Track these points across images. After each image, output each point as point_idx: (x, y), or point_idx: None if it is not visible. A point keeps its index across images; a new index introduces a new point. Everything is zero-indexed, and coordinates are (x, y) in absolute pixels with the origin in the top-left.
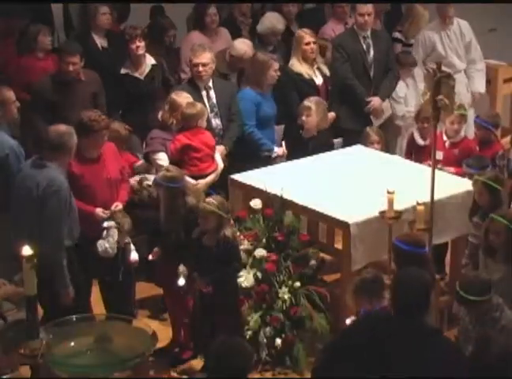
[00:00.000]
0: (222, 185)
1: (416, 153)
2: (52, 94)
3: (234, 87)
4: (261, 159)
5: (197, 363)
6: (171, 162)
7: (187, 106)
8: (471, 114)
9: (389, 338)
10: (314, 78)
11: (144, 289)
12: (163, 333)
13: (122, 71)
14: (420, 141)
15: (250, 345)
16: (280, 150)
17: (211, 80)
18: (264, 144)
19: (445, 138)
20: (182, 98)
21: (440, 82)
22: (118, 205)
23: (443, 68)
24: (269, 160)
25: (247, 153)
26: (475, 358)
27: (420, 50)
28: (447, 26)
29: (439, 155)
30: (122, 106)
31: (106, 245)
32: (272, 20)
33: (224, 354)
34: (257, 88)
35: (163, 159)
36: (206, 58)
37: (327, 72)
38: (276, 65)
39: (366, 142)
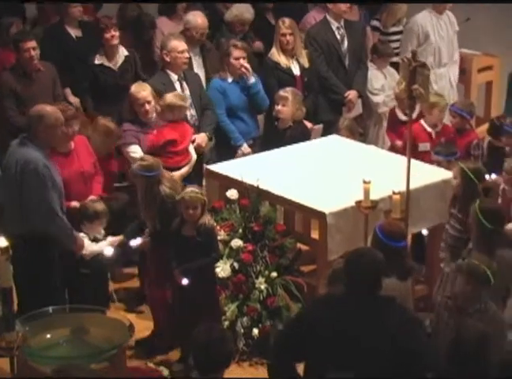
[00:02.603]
0: (196, 176)
1: (398, 129)
2: (16, 85)
3: (200, 77)
4: (234, 149)
5: (175, 354)
6: (147, 153)
7: (175, 97)
8: None
9: (344, 315)
10: (292, 68)
11: (122, 281)
12: (141, 325)
13: (96, 61)
14: (402, 117)
15: (229, 333)
16: (246, 149)
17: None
18: (232, 138)
19: (429, 129)
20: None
21: (415, 71)
22: (93, 199)
23: (431, 59)
24: (236, 155)
25: (222, 143)
26: (453, 344)
27: (414, 40)
28: (440, 16)
29: (426, 146)
30: (95, 97)
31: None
32: (239, 9)
33: (206, 342)
34: (222, 77)
35: (136, 151)
36: (184, 45)
37: (306, 63)
38: (237, 53)
39: (339, 133)
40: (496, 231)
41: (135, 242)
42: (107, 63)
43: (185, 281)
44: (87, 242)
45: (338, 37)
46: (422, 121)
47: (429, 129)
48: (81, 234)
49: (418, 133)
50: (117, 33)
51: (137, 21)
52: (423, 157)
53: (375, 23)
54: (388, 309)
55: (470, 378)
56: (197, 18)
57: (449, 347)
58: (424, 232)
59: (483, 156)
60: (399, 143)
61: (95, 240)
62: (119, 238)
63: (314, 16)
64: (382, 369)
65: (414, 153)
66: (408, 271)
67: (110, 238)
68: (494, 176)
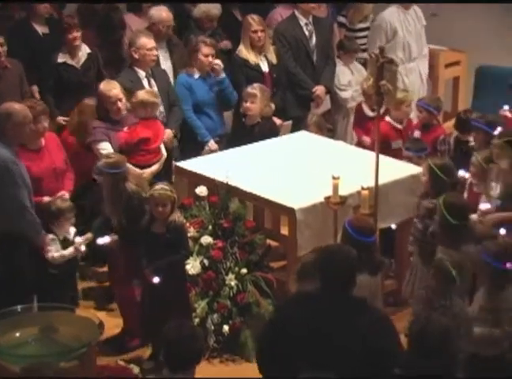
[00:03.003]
0: (166, 173)
1: (365, 124)
2: None
3: (167, 74)
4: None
5: (145, 351)
6: (120, 151)
7: (147, 94)
8: None
9: (318, 313)
10: (261, 65)
11: (92, 279)
12: (111, 322)
13: (59, 59)
14: (369, 112)
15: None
16: (213, 145)
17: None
18: (199, 134)
19: (398, 126)
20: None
21: (383, 68)
22: (64, 194)
23: (401, 54)
24: (202, 151)
25: (189, 140)
26: (415, 338)
27: (382, 36)
28: (407, 11)
29: (398, 143)
30: (57, 95)
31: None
32: (207, 5)
33: (176, 339)
34: (189, 72)
35: (106, 148)
36: (153, 42)
37: (274, 60)
38: (206, 50)
39: (308, 129)
40: (461, 226)
41: (103, 240)
42: (69, 61)
43: (156, 279)
44: (55, 248)
45: (306, 33)
46: (388, 119)
47: (398, 126)
48: (51, 236)
49: (388, 131)
50: (79, 34)
51: (105, 19)
52: (397, 155)
53: (342, 19)
54: (360, 308)
55: (433, 371)
56: (162, 12)
57: (413, 340)
58: (393, 226)
59: (449, 151)
60: (366, 139)
61: (65, 241)
62: (87, 236)
63: (280, 12)
64: (353, 368)
65: (387, 151)
66: (378, 266)
67: (77, 239)
68: (462, 172)
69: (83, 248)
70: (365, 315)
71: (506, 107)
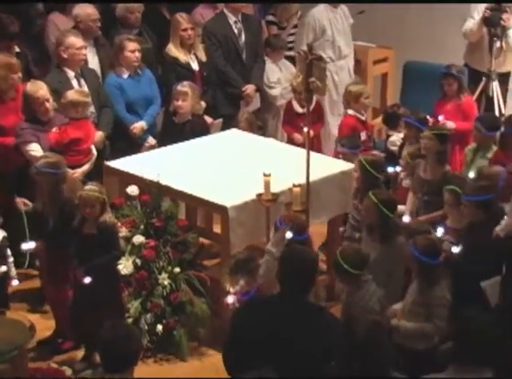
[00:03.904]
0: (96, 173)
1: (294, 121)
2: None
3: (97, 73)
4: (136, 145)
5: (78, 353)
6: (49, 151)
7: (77, 94)
8: None
9: (276, 318)
10: (191, 63)
11: (24, 281)
12: (44, 324)
13: None
14: (299, 109)
15: (137, 329)
16: (152, 140)
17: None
18: (134, 133)
19: (362, 117)
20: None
21: (312, 65)
22: None
23: (330, 52)
24: (142, 148)
25: (122, 139)
26: (344, 335)
27: (310, 34)
28: (335, 9)
29: (364, 134)
30: None
31: None
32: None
33: (113, 340)
34: (118, 72)
35: (36, 149)
36: (82, 41)
37: (203, 57)
38: (131, 46)
39: (238, 127)
40: (393, 219)
41: (27, 246)
42: None
43: (87, 280)
44: None
45: (236, 31)
46: (351, 112)
47: (362, 117)
48: None
49: (355, 123)
50: None
51: (25, 14)
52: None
53: (271, 17)
54: (317, 312)
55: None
56: (86, 8)
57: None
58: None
59: (375, 147)
60: (297, 136)
61: None
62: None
63: (200, 12)
64: (309, 372)
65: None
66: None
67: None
68: (391, 169)
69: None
70: (322, 320)
71: (440, 118)
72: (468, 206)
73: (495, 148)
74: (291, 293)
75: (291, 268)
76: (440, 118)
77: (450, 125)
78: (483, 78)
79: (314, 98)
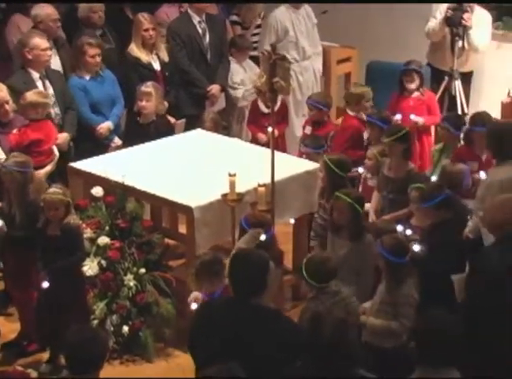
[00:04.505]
0: (60, 174)
1: (259, 121)
2: None
3: (62, 74)
4: (101, 146)
5: (44, 355)
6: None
7: (36, 95)
8: None
9: (228, 321)
10: (153, 63)
11: None
12: (9, 327)
13: None
14: (264, 109)
15: (103, 332)
16: (118, 141)
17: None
18: (101, 134)
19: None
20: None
21: (275, 65)
22: None
23: (294, 53)
24: (108, 149)
25: (87, 140)
26: (309, 336)
27: (273, 35)
28: (298, 10)
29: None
30: None
31: None
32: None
33: (78, 343)
34: (79, 74)
35: None
36: (47, 43)
37: (166, 58)
38: (91, 51)
39: (203, 127)
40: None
41: None
42: None
43: (45, 284)
44: None
45: (200, 31)
46: (352, 113)
47: (363, 117)
48: None
49: (359, 124)
50: None
51: None
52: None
53: (235, 17)
54: (269, 315)
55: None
56: (45, 8)
57: (308, 339)
58: (292, 221)
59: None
60: (262, 136)
61: None
62: None
63: (166, 11)
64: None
65: (361, 144)
66: (279, 257)
67: None
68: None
69: None
70: (275, 322)
71: (360, 170)
72: (427, 210)
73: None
74: (242, 296)
75: (241, 272)
76: (398, 116)
77: (420, 120)
78: (446, 77)
79: (280, 98)
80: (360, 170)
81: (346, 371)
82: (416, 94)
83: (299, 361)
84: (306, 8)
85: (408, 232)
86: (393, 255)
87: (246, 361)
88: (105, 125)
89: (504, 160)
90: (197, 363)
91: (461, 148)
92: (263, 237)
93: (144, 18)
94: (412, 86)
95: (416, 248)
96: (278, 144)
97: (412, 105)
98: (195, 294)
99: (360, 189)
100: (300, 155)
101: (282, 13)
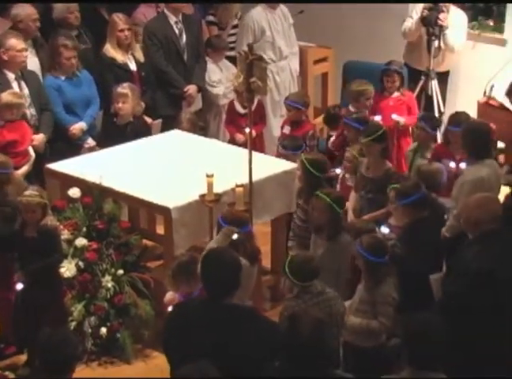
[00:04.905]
0: (36, 175)
1: (237, 121)
2: None
3: (38, 75)
4: (75, 147)
5: (22, 358)
6: None
7: (11, 95)
8: None
9: (203, 322)
10: (129, 64)
11: None
12: None
13: None
14: (241, 110)
15: (75, 335)
16: (92, 142)
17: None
18: (74, 134)
19: None
20: None
21: (252, 65)
22: None
23: (271, 53)
24: (81, 149)
25: (61, 140)
26: (286, 335)
27: (249, 35)
28: (274, 10)
29: None
30: None
31: None
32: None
33: (51, 346)
34: (55, 74)
35: None
36: (23, 43)
37: (141, 58)
38: (67, 54)
39: (180, 128)
40: (341, 217)
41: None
42: None
43: (19, 286)
44: None
45: (177, 32)
46: (352, 109)
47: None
48: None
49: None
50: None
51: None
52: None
53: (211, 18)
54: (244, 314)
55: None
56: (25, 8)
57: (285, 336)
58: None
59: (318, 146)
60: (239, 136)
61: None
62: None
63: (143, 12)
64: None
65: None
66: (255, 255)
67: None
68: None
69: None
70: (253, 322)
71: (338, 171)
72: (404, 208)
73: (432, 146)
74: (215, 297)
75: (212, 272)
76: (377, 118)
77: (401, 120)
78: (423, 77)
79: (256, 98)
80: (338, 170)
81: (323, 371)
82: (396, 94)
83: (276, 361)
84: (283, 8)
85: (387, 231)
86: (372, 254)
87: (221, 361)
88: (78, 126)
89: (477, 160)
90: (172, 364)
91: (438, 146)
92: (235, 236)
93: (119, 18)
94: (392, 86)
95: (395, 247)
96: (256, 145)
97: (392, 105)
98: (170, 295)
99: (338, 189)
100: (278, 155)
101: (258, 13)
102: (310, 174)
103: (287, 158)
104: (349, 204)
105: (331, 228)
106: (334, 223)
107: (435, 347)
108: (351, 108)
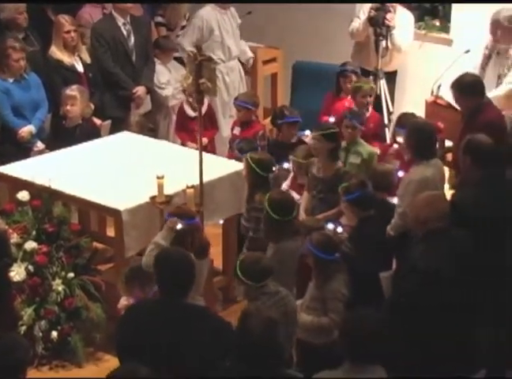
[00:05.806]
0: None
1: (187, 125)
2: None
3: None
4: (24, 150)
5: None
6: None
7: None
8: None
9: (156, 322)
10: (76, 65)
11: None
12: None
13: None
14: (191, 113)
15: (25, 339)
16: (41, 145)
17: None
18: (22, 137)
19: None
20: None
21: (201, 65)
22: None
23: (220, 53)
24: (30, 152)
25: (9, 143)
26: (237, 335)
27: (195, 34)
28: (224, 10)
29: None
30: None
31: None
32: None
33: (1, 350)
34: (3, 77)
35: None
36: None
37: (88, 59)
38: (15, 55)
39: (129, 129)
40: (285, 222)
41: None
42: None
43: None
44: None
45: (125, 33)
46: (350, 98)
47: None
48: None
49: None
50: None
51: None
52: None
53: (159, 19)
54: (198, 314)
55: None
56: None
57: (237, 336)
58: (220, 222)
59: (269, 146)
60: (191, 145)
61: None
62: None
63: (89, 12)
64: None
65: None
66: (204, 248)
67: None
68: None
69: None
70: (206, 322)
71: (307, 132)
72: (349, 205)
73: (361, 141)
74: (168, 296)
75: (164, 271)
76: (331, 119)
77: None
78: (371, 77)
79: (206, 101)
80: (286, 165)
81: (274, 371)
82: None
83: (228, 361)
84: (231, 8)
85: (339, 230)
86: (322, 251)
87: (174, 361)
88: (27, 129)
89: (422, 160)
90: None
91: (385, 147)
92: (179, 226)
93: (64, 20)
94: (349, 89)
95: (344, 246)
96: (207, 146)
97: (347, 106)
98: (124, 300)
99: (287, 187)
100: (230, 156)
101: (208, 12)
102: (255, 173)
103: (241, 160)
104: (301, 205)
105: (269, 231)
106: (271, 226)
107: (373, 342)
108: (349, 98)
